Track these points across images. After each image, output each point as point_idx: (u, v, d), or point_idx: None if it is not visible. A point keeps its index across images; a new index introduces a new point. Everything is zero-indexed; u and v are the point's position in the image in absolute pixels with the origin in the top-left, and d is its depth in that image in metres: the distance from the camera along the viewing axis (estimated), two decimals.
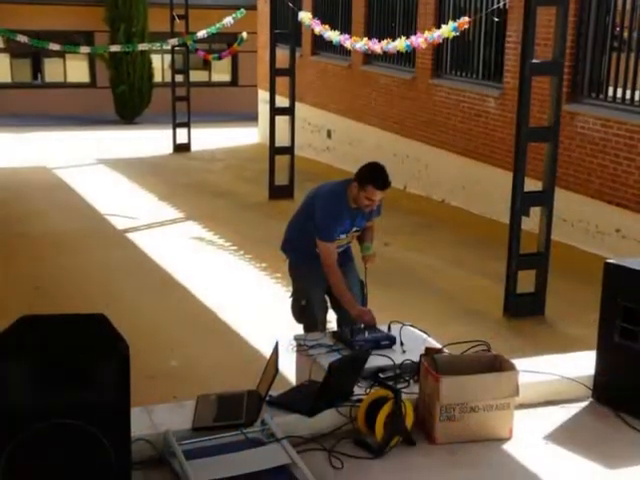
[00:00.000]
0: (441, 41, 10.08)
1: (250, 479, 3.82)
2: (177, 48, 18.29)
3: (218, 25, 16.41)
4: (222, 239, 11.29)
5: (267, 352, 4.87)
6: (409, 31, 12.91)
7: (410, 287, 9.26)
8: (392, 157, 13.99)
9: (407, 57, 14.03)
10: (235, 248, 10.83)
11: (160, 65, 25.97)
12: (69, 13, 24.37)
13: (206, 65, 26.40)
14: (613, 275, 4.78)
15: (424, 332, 5.38)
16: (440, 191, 13.66)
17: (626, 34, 10.38)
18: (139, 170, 16.33)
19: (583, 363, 5.06)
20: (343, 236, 5.73)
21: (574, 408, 4.84)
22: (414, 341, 5.18)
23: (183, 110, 18.22)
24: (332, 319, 6.08)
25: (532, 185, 8.51)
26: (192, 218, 12.52)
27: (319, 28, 12.26)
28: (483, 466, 4.23)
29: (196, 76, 23.18)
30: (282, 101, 13.95)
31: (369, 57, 15.21)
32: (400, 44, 10.26)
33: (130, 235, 11.55)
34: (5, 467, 3.38)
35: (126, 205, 13.28)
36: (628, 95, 10.25)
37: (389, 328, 5.34)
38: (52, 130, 21.93)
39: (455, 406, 4.33)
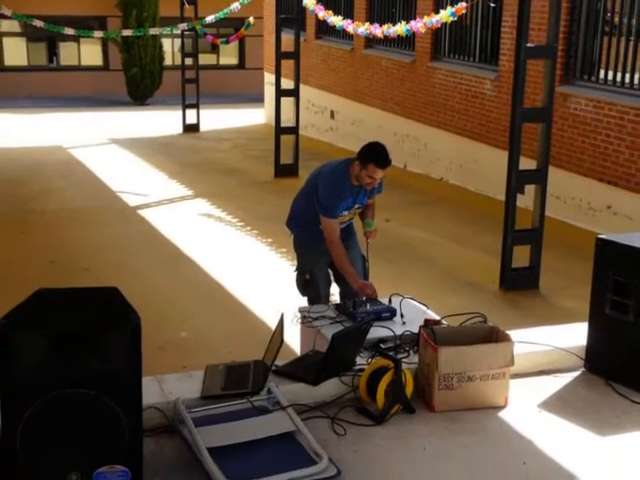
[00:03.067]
0: (440, 26, 10.15)
1: (256, 445, 3.87)
2: (187, 32, 18.29)
3: (226, 10, 16.41)
4: (229, 215, 11.40)
5: (273, 324, 4.97)
6: (409, 16, 12.94)
7: (410, 261, 9.37)
8: (392, 137, 14.12)
9: (407, 41, 14.13)
10: (242, 224, 10.94)
11: (170, 49, 26.04)
12: None
13: (214, 49, 26.46)
14: (604, 250, 4.85)
15: (423, 304, 5.47)
16: (438, 169, 13.75)
17: (617, 19, 10.48)
18: (150, 149, 16.44)
19: (575, 334, 5.12)
20: (345, 213, 5.80)
21: (567, 377, 4.92)
22: (414, 313, 5.26)
23: (192, 92, 18.28)
24: (335, 292, 6.16)
25: (527, 164, 8.63)
26: (200, 195, 12.64)
27: (323, 13, 12.33)
28: (480, 433, 4.30)
29: (205, 59, 23.29)
30: (287, 83, 14.03)
31: (370, 41, 15.32)
32: (400, 29, 10.31)
33: (141, 211, 11.69)
34: (21, 435, 3.45)
35: (137, 183, 13.40)
36: (619, 77, 10.35)
37: (390, 301, 5.41)
38: (67, 111, 22.04)
39: (453, 375, 4.40)
